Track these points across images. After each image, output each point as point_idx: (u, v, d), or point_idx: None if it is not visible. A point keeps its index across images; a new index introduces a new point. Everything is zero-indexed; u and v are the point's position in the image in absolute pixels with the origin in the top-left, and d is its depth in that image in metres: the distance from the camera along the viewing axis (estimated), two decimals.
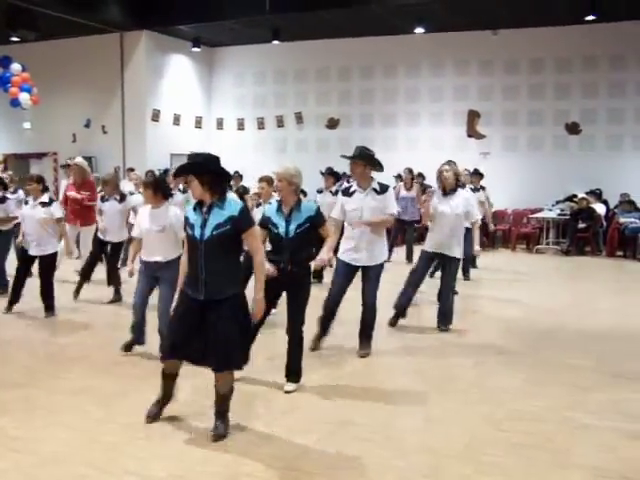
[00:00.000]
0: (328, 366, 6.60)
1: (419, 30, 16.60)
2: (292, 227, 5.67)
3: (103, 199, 9.79)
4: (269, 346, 6.57)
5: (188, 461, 4.45)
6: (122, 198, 9.70)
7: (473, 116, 17.95)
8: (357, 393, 5.79)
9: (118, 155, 18.50)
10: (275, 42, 17.74)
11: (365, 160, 6.73)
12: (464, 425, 5.08)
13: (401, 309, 8.11)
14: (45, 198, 8.57)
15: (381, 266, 6.83)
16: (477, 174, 12.97)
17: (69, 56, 18.42)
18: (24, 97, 16.46)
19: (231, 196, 4.62)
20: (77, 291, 9.65)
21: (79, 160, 11.22)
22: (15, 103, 16.59)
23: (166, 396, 5.13)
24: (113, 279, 9.70)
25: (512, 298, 10.13)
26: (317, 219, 5.78)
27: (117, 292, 9.64)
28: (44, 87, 17.23)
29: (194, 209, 4.74)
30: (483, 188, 12.75)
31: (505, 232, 16.53)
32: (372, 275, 6.79)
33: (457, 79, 18.06)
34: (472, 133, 18.01)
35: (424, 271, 8.17)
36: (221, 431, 4.80)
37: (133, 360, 6.66)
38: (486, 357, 6.94)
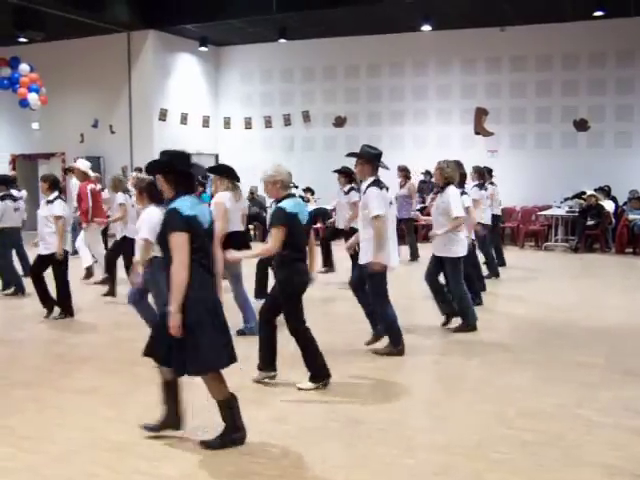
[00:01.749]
0: (337, 364, 6.59)
1: (426, 28, 16.57)
2: None
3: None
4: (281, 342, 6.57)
5: (198, 460, 4.45)
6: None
7: (481, 114, 17.91)
8: (366, 391, 5.80)
9: (126, 155, 18.53)
10: (282, 41, 17.74)
11: (361, 158, 6.73)
12: (474, 423, 5.07)
13: (448, 312, 8.01)
14: (51, 196, 8.59)
15: (369, 265, 6.61)
16: (488, 172, 12.86)
17: (77, 56, 18.46)
18: (32, 97, 16.54)
19: (189, 198, 4.46)
20: (111, 292, 9.78)
21: (78, 164, 11.26)
22: (24, 103, 16.67)
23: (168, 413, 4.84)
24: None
25: (521, 296, 10.11)
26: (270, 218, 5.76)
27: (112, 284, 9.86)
28: (52, 87, 17.30)
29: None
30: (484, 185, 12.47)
31: (513, 229, 16.49)
32: (366, 273, 6.72)
33: (464, 76, 18.02)
34: (480, 131, 17.98)
35: (432, 271, 7.94)
36: (209, 440, 4.65)
37: (142, 360, 6.65)
38: (495, 355, 6.93)
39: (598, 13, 15.12)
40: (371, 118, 18.90)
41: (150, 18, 17.32)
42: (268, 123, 19.84)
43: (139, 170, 17.17)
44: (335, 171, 11.09)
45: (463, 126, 18.09)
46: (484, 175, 11.72)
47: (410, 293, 9.66)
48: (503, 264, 12.13)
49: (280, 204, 5.69)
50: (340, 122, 19.23)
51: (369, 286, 6.81)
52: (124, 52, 18.36)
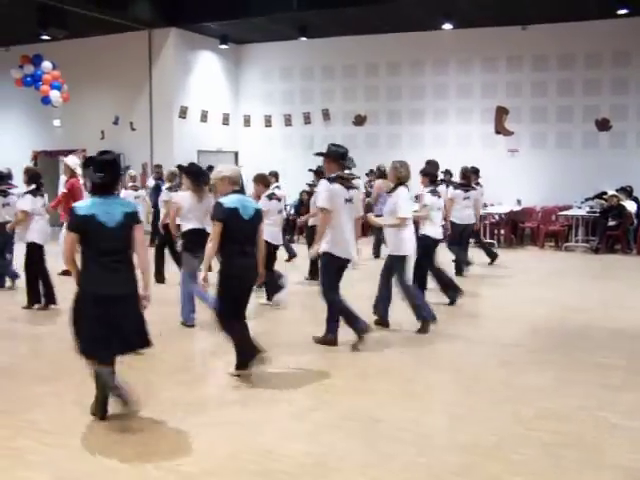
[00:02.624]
0: (356, 363, 6.61)
1: (447, 26, 16.50)
2: None
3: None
4: (295, 343, 6.60)
5: (218, 457, 4.47)
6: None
7: (501, 113, 17.81)
8: (385, 390, 5.79)
9: (146, 152, 18.62)
10: (302, 39, 17.74)
11: (327, 156, 7.03)
12: (493, 423, 5.05)
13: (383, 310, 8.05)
14: (26, 189, 9.01)
15: (322, 255, 6.95)
16: (474, 172, 12.81)
17: (98, 54, 18.56)
18: (54, 95, 16.67)
19: (95, 198, 4.89)
20: None
21: (69, 160, 11.30)
22: (46, 101, 16.81)
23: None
24: None
25: (540, 296, 10.05)
26: None
27: None
28: (74, 85, 17.43)
29: None
30: (475, 187, 12.39)
31: (533, 230, 16.39)
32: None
33: (485, 75, 17.92)
34: (500, 130, 17.88)
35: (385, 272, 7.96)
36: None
37: (159, 356, 6.71)
38: (514, 356, 6.90)
39: (622, 11, 14.98)
40: (391, 116, 18.84)
41: (171, 16, 17.38)
42: (288, 121, 19.85)
43: (159, 167, 17.30)
44: (310, 170, 11.71)
45: (483, 125, 17.99)
46: (469, 177, 11.84)
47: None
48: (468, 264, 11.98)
49: (220, 199, 5.96)
50: (360, 120, 19.20)
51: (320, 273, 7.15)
52: (145, 50, 18.43)
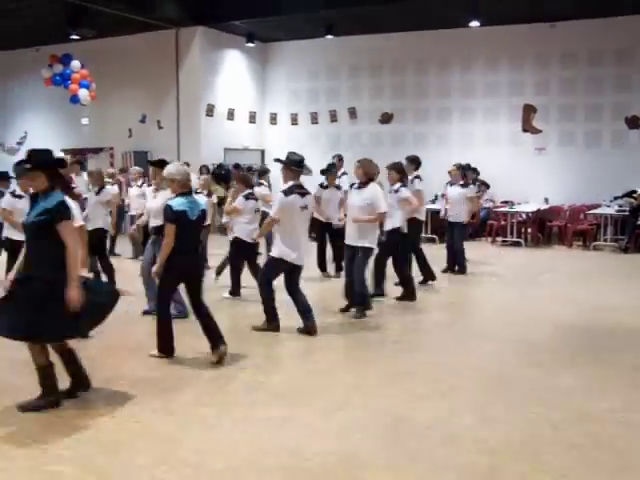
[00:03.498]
0: (385, 362, 6.59)
1: (474, 24, 16.39)
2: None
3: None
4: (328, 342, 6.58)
5: (244, 454, 4.49)
6: (99, 190, 9.90)
7: (529, 111, 17.65)
8: (411, 390, 5.77)
9: (173, 150, 18.71)
10: (329, 37, 17.73)
11: (284, 164, 7.53)
12: (521, 424, 5.01)
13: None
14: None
15: (272, 258, 7.51)
16: (470, 169, 12.75)
17: (126, 53, 18.71)
18: (83, 93, 16.84)
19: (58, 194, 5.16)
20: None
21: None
22: (75, 99, 16.98)
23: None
24: (105, 268, 9.89)
25: (569, 296, 9.95)
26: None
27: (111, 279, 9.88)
28: (101, 83, 17.58)
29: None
30: (474, 183, 12.35)
31: (561, 228, 16.23)
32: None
33: (513, 73, 17.77)
34: (528, 128, 17.72)
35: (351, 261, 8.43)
36: (23, 402, 5.25)
37: (187, 353, 6.74)
38: (542, 356, 6.84)
39: None
40: (418, 115, 18.76)
41: (198, 14, 17.47)
42: (314, 119, 19.86)
43: (187, 165, 17.36)
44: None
45: (511, 124, 17.84)
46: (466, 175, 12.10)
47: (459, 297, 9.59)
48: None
49: (168, 202, 6.39)
50: (386, 119, 19.14)
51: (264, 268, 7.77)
52: (172, 48, 18.55)
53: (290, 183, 7.38)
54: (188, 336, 6.93)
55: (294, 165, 7.47)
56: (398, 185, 9.23)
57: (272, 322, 7.60)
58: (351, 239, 8.33)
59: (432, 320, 8.56)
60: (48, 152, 5.51)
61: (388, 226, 9.05)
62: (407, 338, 7.41)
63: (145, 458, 4.42)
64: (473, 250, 11.73)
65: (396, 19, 16.99)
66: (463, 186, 11.63)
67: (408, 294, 9.33)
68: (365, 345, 7.27)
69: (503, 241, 15.83)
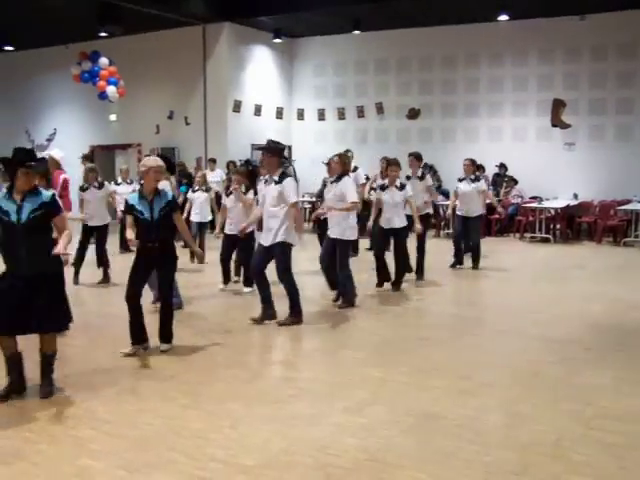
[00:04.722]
0: (413, 358, 6.56)
1: (503, 17, 16.24)
2: (156, 211, 6.48)
3: (83, 189, 10.43)
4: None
5: (273, 450, 4.48)
6: (100, 185, 10.44)
7: (558, 105, 17.45)
8: (441, 386, 5.73)
9: (200, 146, 18.82)
10: (356, 32, 17.70)
11: (268, 151, 7.53)
12: (552, 422, 4.95)
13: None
14: None
15: (281, 245, 7.48)
16: (474, 164, 12.54)
17: (153, 49, 18.82)
18: (111, 90, 16.97)
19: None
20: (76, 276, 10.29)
21: (53, 152, 11.40)
22: (103, 96, 17.13)
23: (13, 382, 5.46)
24: (102, 261, 10.34)
25: (598, 292, 9.83)
26: (172, 206, 6.63)
27: (106, 274, 10.35)
28: (129, 80, 17.70)
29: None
30: (479, 179, 12.11)
31: (591, 224, 16.04)
32: (276, 252, 7.51)
33: (542, 67, 17.59)
34: (557, 123, 17.53)
35: (328, 252, 8.73)
36: (48, 390, 5.45)
37: (215, 349, 6.77)
38: (573, 353, 6.76)
39: None
40: (445, 110, 18.65)
41: (225, 10, 17.52)
42: (341, 115, 19.82)
43: (213, 161, 17.45)
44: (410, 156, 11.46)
45: (539, 118, 17.67)
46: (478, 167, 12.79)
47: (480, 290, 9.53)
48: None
49: (126, 197, 6.85)
50: (414, 114, 19.04)
51: (277, 261, 7.64)
52: (199, 44, 18.61)
53: (280, 170, 7.51)
54: (214, 334, 6.96)
55: (279, 153, 7.62)
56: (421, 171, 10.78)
57: (297, 315, 7.70)
58: (330, 231, 8.68)
59: (460, 316, 8.49)
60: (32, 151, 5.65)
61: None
62: (435, 334, 7.37)
63: (174, 454, 4.43)
64: (501, 245, 11.64)
65: (423, 14, 16.91)
66: (474, 180, 11.52)
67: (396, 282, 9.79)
68: (393, 341, 7.24)
69: (532, 237, 15.69)
